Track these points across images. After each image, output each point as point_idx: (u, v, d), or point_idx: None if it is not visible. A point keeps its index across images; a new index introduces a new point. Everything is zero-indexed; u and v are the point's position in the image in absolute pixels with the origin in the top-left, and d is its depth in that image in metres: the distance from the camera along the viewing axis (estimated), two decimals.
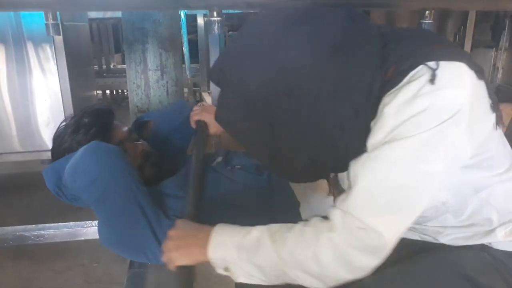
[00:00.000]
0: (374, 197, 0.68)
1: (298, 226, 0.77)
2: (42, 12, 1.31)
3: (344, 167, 0.75)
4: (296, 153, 0.76)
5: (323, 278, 0.73)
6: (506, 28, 3.07)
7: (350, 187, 0.72)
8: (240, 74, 0.72)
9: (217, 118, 0.80)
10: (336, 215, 0.72)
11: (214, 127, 1.33)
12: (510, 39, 3.11)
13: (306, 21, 0.72)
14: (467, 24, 2.91)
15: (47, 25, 1.24)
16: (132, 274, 1.12)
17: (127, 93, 2.19)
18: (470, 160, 0.73)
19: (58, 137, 1.29)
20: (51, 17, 1.23)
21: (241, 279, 0.82)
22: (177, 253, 0.87)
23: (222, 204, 1.18)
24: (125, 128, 1.34)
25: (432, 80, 0.65)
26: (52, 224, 1.64)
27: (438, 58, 0.68)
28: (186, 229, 0.91)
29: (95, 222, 1.60)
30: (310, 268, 0.73)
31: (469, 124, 0.67)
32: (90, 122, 1.27)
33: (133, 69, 2.04)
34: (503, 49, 3.14)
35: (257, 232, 0.80)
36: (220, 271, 0.83)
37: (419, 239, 0.89)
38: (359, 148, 0.72)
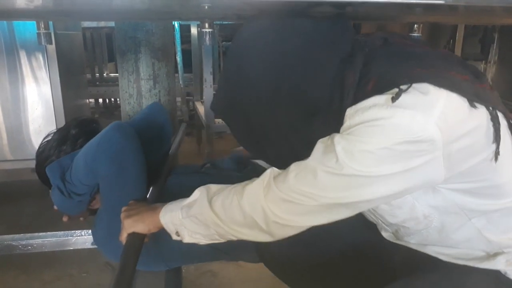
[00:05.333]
0: (297, 177, 0.72)
1: (235, 184, 0.84)
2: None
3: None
4: (268, 141, 0.79)
5: (250, 228, 0.79)
6: (495, 42, 3.13)
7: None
8: (229, 69, 0.79)
9: (211, 106, 0.87)
10: (264, 175, 0.79)
11: None
12: (499, 52, 3.16)
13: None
14: (456, 38, 2.96)
15: (38, 34, 1.24)
16: None
17: (120, 102, 2.19)
18: (458, 185, 0.71)
19: (42, 153, 1.27)
20: (43, 26, 1.23)
21: (187, 238, 0.89)
22: (130, 220, 0.95)
23: None
24: None
25: (394, 98, 0.62)
26: (40, 233, 1.62)
27: (414, 81, 0.64)
28: (140, 204, 1.02)
29: (85, 232, 1.59)
30: (236, 218, 0.79)
31: (444, 154, 0.63)
32: (77, 132, 1.26)
33: (125, 78, 2.04)
34: (492, 62, 3.19)
35: (198, 191, 0.88)
36: (174, 236, 0.91)
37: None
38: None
